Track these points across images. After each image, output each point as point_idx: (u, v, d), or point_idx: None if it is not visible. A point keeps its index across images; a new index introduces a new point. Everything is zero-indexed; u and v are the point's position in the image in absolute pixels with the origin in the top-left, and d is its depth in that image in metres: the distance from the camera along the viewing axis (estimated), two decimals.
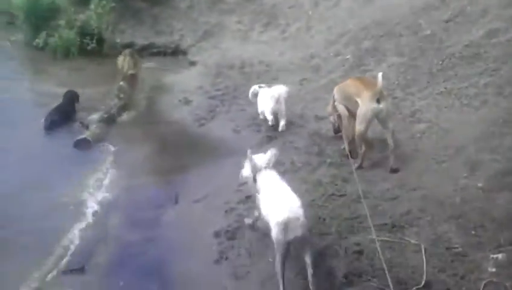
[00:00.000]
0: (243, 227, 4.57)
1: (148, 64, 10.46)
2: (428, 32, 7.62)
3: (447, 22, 7.58)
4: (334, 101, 5.81)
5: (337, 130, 5.96)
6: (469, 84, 6.11)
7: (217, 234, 4.56)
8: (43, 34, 11.17)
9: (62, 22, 11.20)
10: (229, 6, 11.91)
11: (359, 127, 5.13)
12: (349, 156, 5.29)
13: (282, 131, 6.43)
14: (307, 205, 4.06)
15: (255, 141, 6.27)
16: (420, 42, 7.50)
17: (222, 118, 7.19)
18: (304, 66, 8.67)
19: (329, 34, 9.44)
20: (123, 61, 10.04)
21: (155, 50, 11.37)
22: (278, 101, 6.41)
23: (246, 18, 11.54)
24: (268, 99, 6.49)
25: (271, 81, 8.24)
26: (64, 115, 7.42)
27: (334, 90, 5.84)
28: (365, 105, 5.08)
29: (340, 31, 9.32)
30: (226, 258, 4.25)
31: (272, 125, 6.49)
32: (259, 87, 6.94)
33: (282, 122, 6.48)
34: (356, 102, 5.22)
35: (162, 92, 8.88)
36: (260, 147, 5.96)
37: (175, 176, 5.97)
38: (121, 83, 8.69)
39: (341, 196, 4.83)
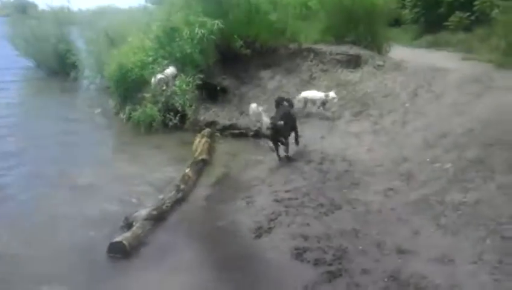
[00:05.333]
0: None
1: (225, 147, 9.82)
2: None
3: None
4: None
5: None
6: None
7: None
8: (127, 109, 11.20)
9: (148, 96, 11.12)
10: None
11: None
12: None
13: None
14: None
15: (311, 275, 5.00)
16: None
17: (282, 232, 5.98)
18: (392, 170, 7.35)
19: (427, 133, 8.08)
20: (198, 143, 9.51)
21: (236, 131, 10.70)
22: None
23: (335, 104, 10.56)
24: None
25: (351, 186, 7.10)
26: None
27: None
28: None
29: (440, 130, 7.96)
30: None
31: None
32: None
33: None
34: None
35: (229, 184, 7.93)
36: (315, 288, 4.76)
37: None
38: (187, 170, 7.97)
39: None
